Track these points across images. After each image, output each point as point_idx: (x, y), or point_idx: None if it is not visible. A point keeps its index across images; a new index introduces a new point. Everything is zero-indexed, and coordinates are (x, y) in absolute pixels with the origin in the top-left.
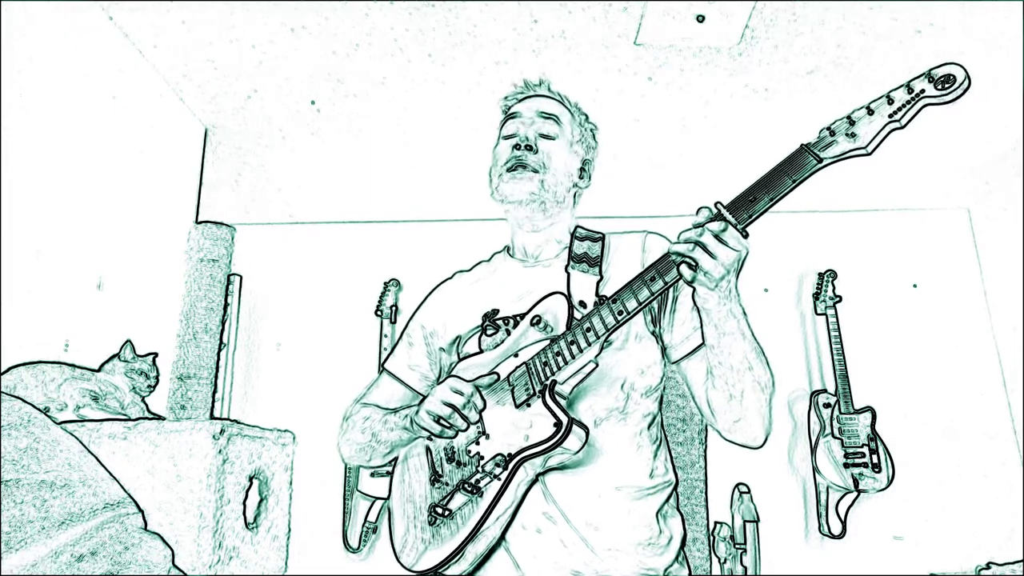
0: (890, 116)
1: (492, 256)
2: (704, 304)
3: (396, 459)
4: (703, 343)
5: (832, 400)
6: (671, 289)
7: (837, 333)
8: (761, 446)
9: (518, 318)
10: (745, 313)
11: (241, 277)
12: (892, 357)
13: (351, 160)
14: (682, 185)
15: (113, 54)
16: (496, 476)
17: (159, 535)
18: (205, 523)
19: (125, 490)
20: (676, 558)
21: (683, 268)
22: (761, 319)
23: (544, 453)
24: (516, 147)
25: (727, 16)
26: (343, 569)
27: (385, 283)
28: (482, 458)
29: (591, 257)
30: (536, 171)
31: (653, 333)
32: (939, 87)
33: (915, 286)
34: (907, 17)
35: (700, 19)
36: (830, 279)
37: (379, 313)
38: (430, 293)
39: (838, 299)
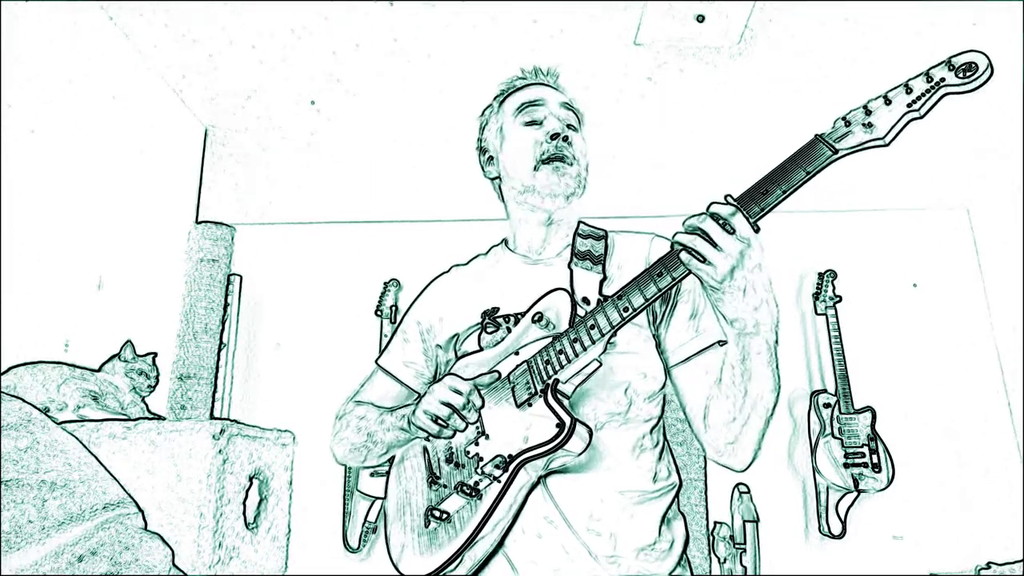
0: (908, 106)
1: (490, 250)
2: (724, 312)
3: (392, 459)
4: (697, 353)
5: (832, 400)
6: (673, 294)
7: (837, 333)
8: (744, 470)
9: (519, 316)
10: (778, 341)
11: (241, 277)
12: (892, 357)
13: (351, 160)
14: (682, 185)
15: (113, 54)
16: (496, 478)
17: (159, 535)
18: (205, 523)
19: (125, 490)
20: (679, 562)
21: (684, 255)
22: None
23: (546, 455)
24: (553, 136)
25: (727, 16)
26: (343, 569)
27: (385, 283)
28: (481, 459)
29: (594, 255)
30: (572, 164)
31: (654, 336)
32: (960, 75)
33: (915, 286)
34: (907, 17)
35: (700, 19)
36: (830, 279)
37: (379, 313)
38: (425, 288)
39: (838, 299)
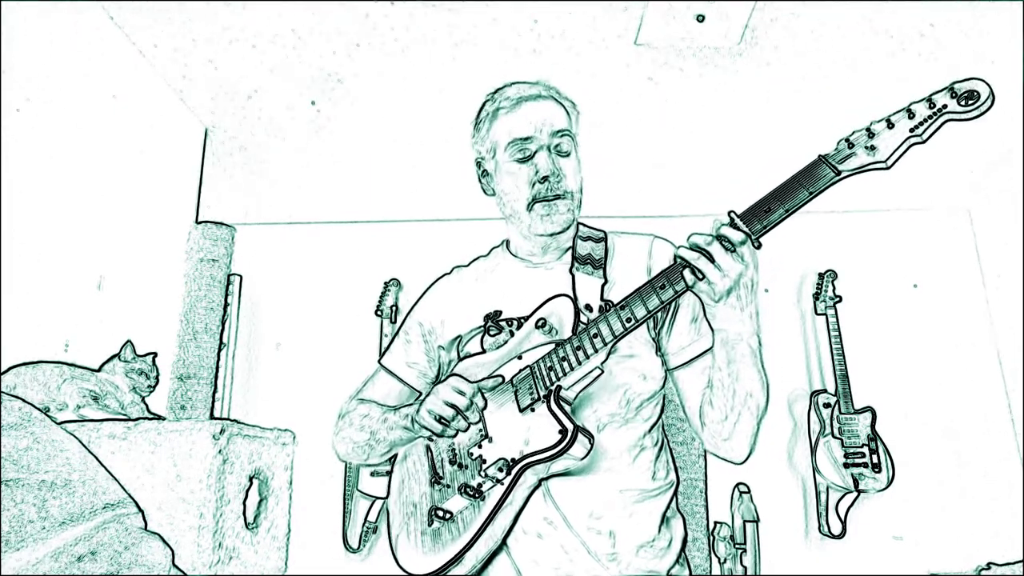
0: (911, 131)
1: (491, 251)
2: (713, 321)
3: (394, 458)
4: (700, 355)
5: (832, 400)
6: None
7: (837, 333)
8: (742, 462)
9: (522, 320)
10: (761, 344)
11: (241, 277)
12: (892, 357)
13: (351, 160)
14: (682, 185)
15: (113, 54)
16: (499, 481)
17: (159, 535)
18: (205, 523)
19: (125, 490)
20: (677, 560)
21: (687, 273)
22: (761, 319)
23: (549, 460)
24: (544, 180)
25: (727, 16)
26: (343, 569)
27: (385, 283)
28: (484, 462)
29: (595, 259)
30: (564, 198)
31: (654, 339)
32: (962, 103)
33: (915, 286)
34: (908, 17)
35: (700, 19)
36: (830, 279)
37: (379, 313)
38: (427, 289)
39: (838, 299)
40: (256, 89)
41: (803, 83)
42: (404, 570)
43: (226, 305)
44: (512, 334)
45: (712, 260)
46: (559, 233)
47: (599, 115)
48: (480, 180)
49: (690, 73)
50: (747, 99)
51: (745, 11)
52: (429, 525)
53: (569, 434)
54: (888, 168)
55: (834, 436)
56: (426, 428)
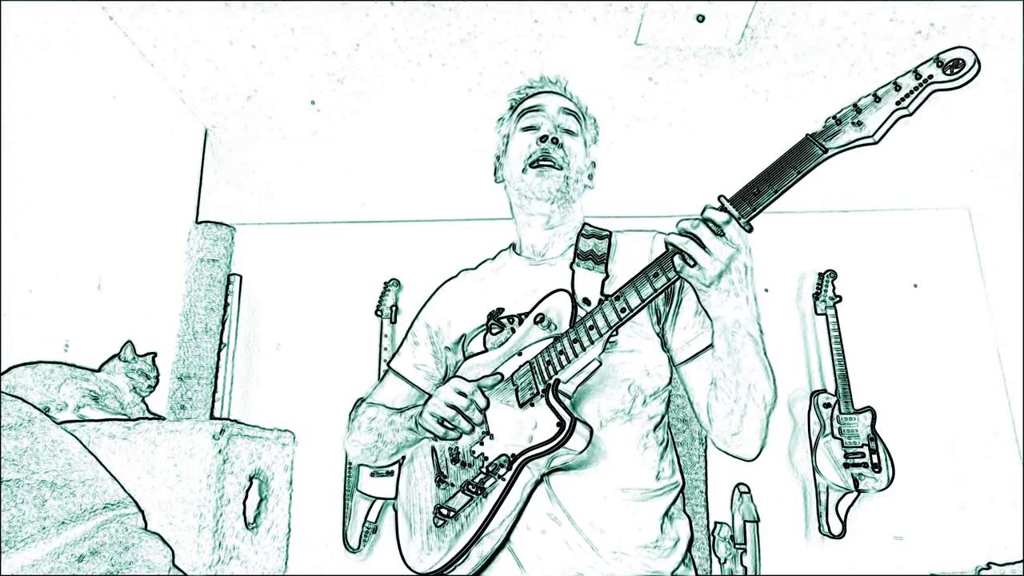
0: (897, 103)
1: (497, 254)
2: (708, 309)
3: (401, 460)
4: (705, 349)
5: (832, 400)
6: (677, 291)
7: (837, 333)
8: (754, 459)
9: (523, 316)
10: (763, 332)
11: (241, 277)
12: (892, 357)
13: (351, 160)
14: (682, 185)
15: (113, 54)
16: (501, 477)
17: (159, 535)
18: (205, 523)
19: (125, 490)
20: (682, 560)
21: (676, 259)
22: (762, 319)
23: (547, 453)
24: (542, 139)
25: (727, 16)
26: (343, 569)
27: (385, 283)
28: (486, 459)
29: (597, 254)
30: (561, 167)
31: (658, 334)
32: (948, 72)
33: (915, 286)
34: (907, 17)
35: (700, 19)
36: (830, 279)
37: (379, 313)
38: (435, 292)
39: (838, 299)
40: (256, 89)
41: (803, 83)
42: (410, 568)
43: (226, 305)
44: (513, 331)
45: (701, 244)
46: (550, 205)
47: (599, 115)
48: (495, 171)
49: (690, 73)
50: (747, 99)
51: (745, 11)
52: (436, 525)
53: (567, 426)
54: (876, 143)
55: (834, 436)
56: (429, 430)
